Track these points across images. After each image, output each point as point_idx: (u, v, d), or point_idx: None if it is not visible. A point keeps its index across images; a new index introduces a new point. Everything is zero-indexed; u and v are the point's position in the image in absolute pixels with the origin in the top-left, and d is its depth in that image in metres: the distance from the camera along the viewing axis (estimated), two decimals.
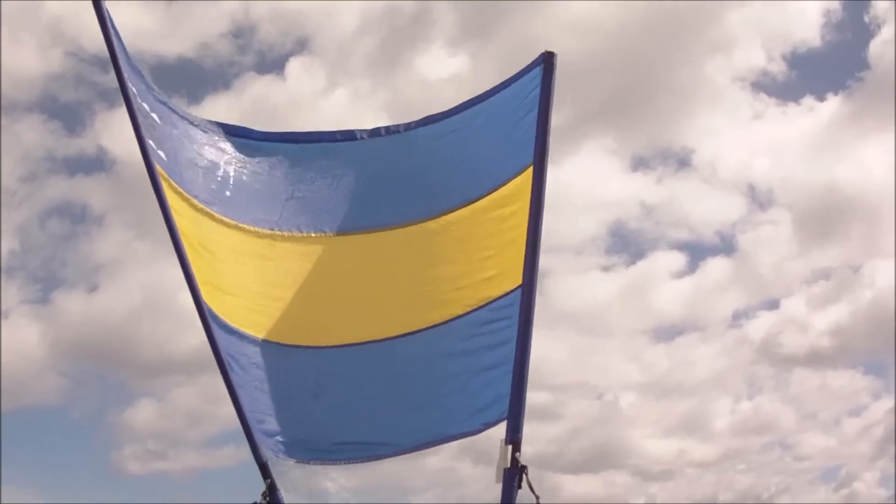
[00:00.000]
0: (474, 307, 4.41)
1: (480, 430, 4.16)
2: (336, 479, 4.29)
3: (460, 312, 4.43)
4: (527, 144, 4.38)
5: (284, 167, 4.89)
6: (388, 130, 4.91)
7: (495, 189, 4.53)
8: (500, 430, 4.03)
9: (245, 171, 4.75)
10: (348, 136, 4.95)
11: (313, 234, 4.75)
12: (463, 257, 4.58)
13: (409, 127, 4.94)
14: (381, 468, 4.53)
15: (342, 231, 4.77)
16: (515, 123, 4.53)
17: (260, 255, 4.62)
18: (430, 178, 4.80)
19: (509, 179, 4.50)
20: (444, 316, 4.46)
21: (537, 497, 3.83)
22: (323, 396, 4.53)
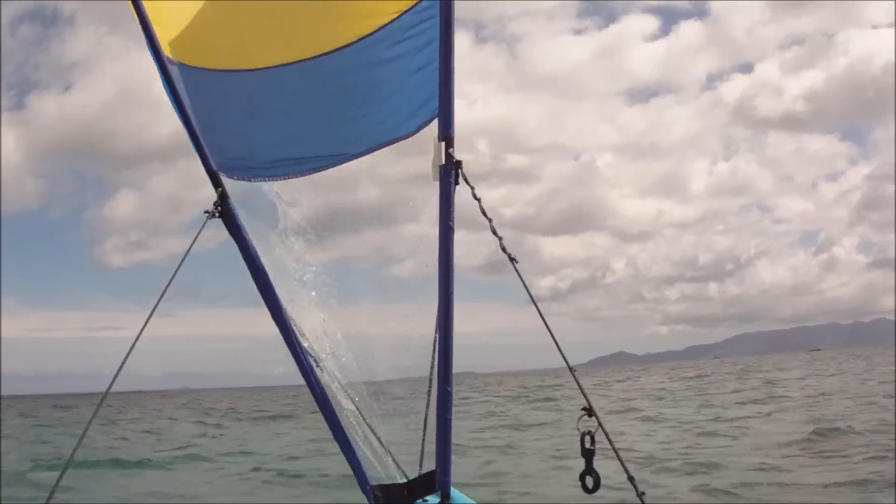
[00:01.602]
0: (399, 13, 4.39)
1: (416, 132, 4.22)
2: (314, 252, 4.37)
3: (386, 21, 4.41)
4: None
5: None
6: None
7: None
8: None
9: None
10: None
11: None
12: None
13: None
14: (360, 239, 4.56)
15: None
16: None
17: None
18: None
19: None
20: (371, 27, 4.43)
21: (472, 187, 3.89)
22: (258, 117, 4.59)
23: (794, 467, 15.48)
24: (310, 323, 4.30)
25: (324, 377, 4.13)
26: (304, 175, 4.37)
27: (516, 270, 3.78)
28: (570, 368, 3.80)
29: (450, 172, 3.91)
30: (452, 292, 3.79)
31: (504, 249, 3.80)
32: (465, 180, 3.91)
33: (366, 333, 4.30)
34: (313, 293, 4.34)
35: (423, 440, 4.01)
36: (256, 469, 20.10)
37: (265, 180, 4.38)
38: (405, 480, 3.90)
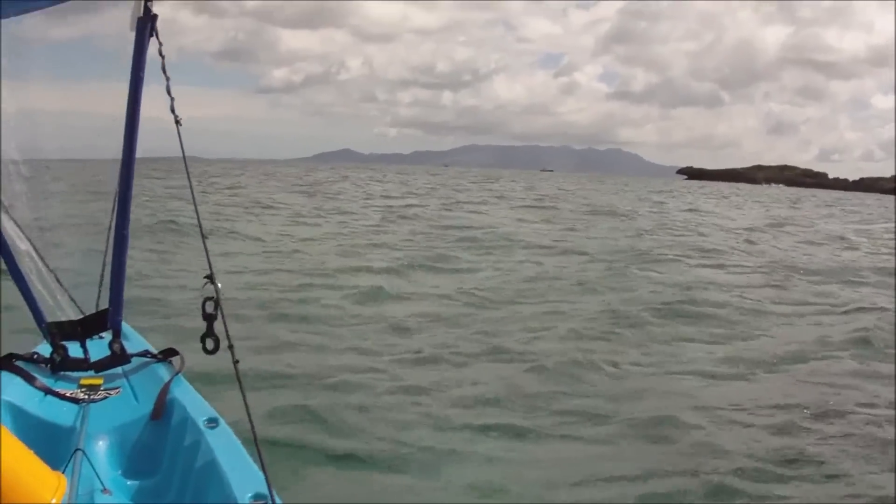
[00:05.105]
0: None
1: None
2: None
3: None
4: None
5: None
6: None
7: None
8: None
9: None
10: None
11: None
12: None
13: None
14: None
15: None
16: None
17: None
18: None
19: None
20: None
21: (161, 44, 3.80)
22: None
23: None
24: None
25: None
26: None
27: (178, 133, 3.78)
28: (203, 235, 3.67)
29: (146, 25, 3.80)
30: (136, 140, 3.73)
31: (173, 111, 3.77)
32: (156, 36, 3.82)
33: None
34: None
35: (101, 279, 4.08)
36: None
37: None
38: (80, 317, 3.93)
